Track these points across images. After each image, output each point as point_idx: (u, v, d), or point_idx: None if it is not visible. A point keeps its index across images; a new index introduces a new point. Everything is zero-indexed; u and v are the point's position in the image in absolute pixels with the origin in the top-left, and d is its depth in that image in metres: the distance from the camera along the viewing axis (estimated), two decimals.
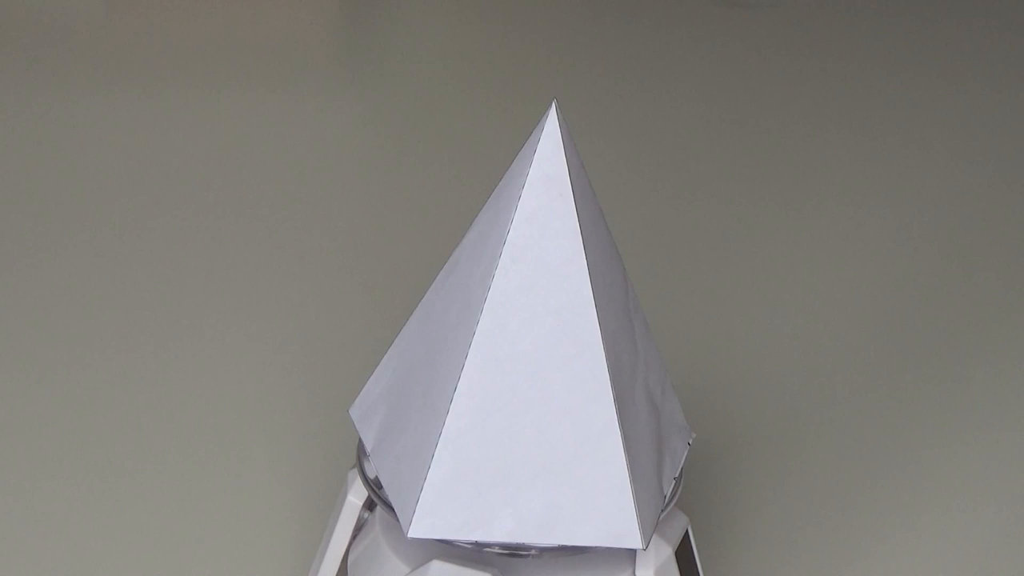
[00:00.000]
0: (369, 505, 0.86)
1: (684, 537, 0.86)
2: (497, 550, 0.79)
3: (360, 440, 0.84)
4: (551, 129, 0.76)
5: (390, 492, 0.78)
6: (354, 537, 0.86)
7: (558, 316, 0.76)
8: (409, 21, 1.73)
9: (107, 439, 1.06)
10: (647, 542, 0.76)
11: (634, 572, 0.81)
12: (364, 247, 1.29)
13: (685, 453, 0.82)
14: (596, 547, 0.77)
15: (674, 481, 0.80)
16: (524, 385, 0.76)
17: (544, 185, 0.76)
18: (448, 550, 0.81)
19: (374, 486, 0.81)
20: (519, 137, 1.48)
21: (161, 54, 1.61)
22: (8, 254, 1.27)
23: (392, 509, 0.79)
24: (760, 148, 1.49)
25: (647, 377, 0.80)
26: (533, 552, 0.78)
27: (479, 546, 0.78)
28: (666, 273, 1.28)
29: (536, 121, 1.52)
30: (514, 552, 0.79)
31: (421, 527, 0.76)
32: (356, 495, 0.85)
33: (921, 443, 1.09)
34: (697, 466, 1.06)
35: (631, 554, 0.82)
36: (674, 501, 0.81)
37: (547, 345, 0.76)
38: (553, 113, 0.76)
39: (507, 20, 1.74)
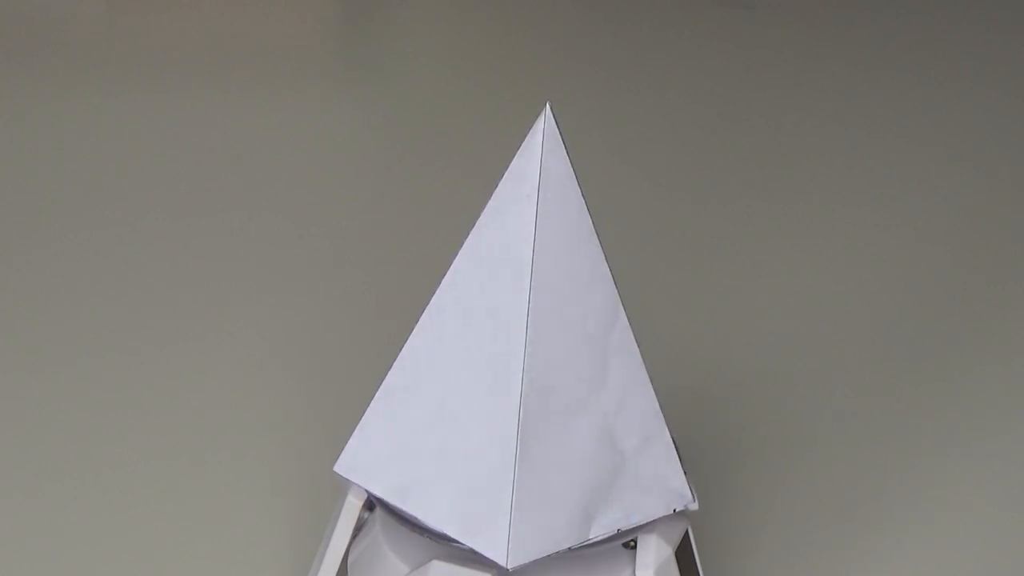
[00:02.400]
0: (369, 505, 0.86)
1: (684, 537, 0.86)
2: None
3: None
4: (536, 131, 0.76)
5: None
6: (354, 537, 0.86)
7: (494, 316, 0.77)
8: (408, 22, 1.73)
9: (106, 440, 1.06)
10: (514, 564, 0.76)
11: (634, 572, 0.81)
12: (364, 247, 1.29)
13: (659, 515, 0.80)
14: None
15: (618, 531, 0.79)
16: (450, 371, 0.78)
17: (517, 184, 0.77)
18: (448, 550, 0.81)
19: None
20: (521, 137, 1.48)
21: (162, 54, 1.61)
22: (8, 253, 1.27)
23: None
24: (759, 148, 1.49)
25: (611, 417, 0.78)
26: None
27: (383, 503, 0.79)
28: (665, 273, 1.28)
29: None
30: None
31: (341, 465, 0.80)
32: (356, 495, 0.85)
33: (921, 443, 1.09)
34: (697, 466, 1.06)
35: (631, 554, 0.82)
36: (610, 542, 0.80)
37: (476, 339, 0.77)
38: (541, 117, 0.76)
39: (507, 21, 1.74)
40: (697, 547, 0.95)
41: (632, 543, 0.82)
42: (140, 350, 1.15)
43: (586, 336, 0.78)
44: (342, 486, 1.00)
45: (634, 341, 0.79)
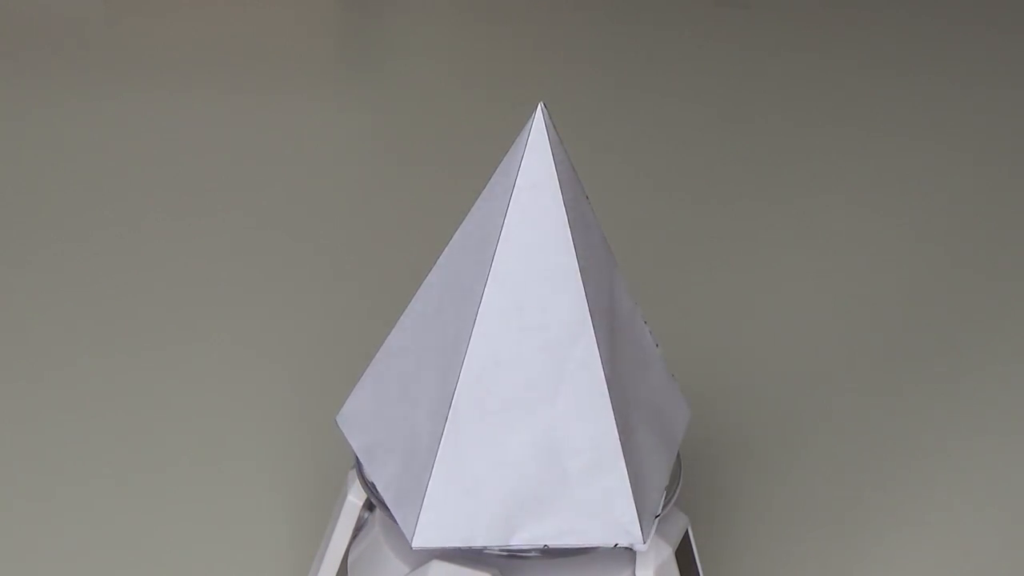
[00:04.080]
0: (369, 505, 0.86)
1: (684, 537, 0.86)
2: (497, 551, 0.79)
3: None
4: (525, 129, 0.76)
5: None
6: (354, 537, 0.86)
7: (459, 303, 0.78)
8: (408, 22, 1.73)
9: (106, 441, 1.06)
10: (418, 544, 0.77)
11: (634, 572, 0.81)
12: (361, 247, 1.29)
13: (596, 544, 0.78)
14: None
15: (545, 547, 0.79)
16: (422, 347, 0.79)
17: (502, 178, 0.77)
18: (448, 551, 0.81)
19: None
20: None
21: (161, 54, 1.61)
22: (6, 253, 1.27)
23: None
24: (759, 148, 1.49)
25: (557, 433, 0.77)
26: (533, 553, 0.79)
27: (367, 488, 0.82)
28: (663, 273, 1.28)
29: None
30: (514, 553, 0.79)
31: (340, 416, 0.84)
32: (356, 495, 0.85)
33: (921, 443, 1.09)
34: (697, 466, 1.06)
35: (631, 554, 0.82)
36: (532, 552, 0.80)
37: (444, 322, 0.78)
38: (531, 117, 0.76)
39: (507, 21, 1.74)
40: (697, 547, 0.95)
41: None
42: (139, 350, 1.15)
43: (543, 343, 0.77)
44: (342, 486, 1.00)
45: (599, 364, 0.77)
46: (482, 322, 0.77)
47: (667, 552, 0.81)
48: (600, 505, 0.78)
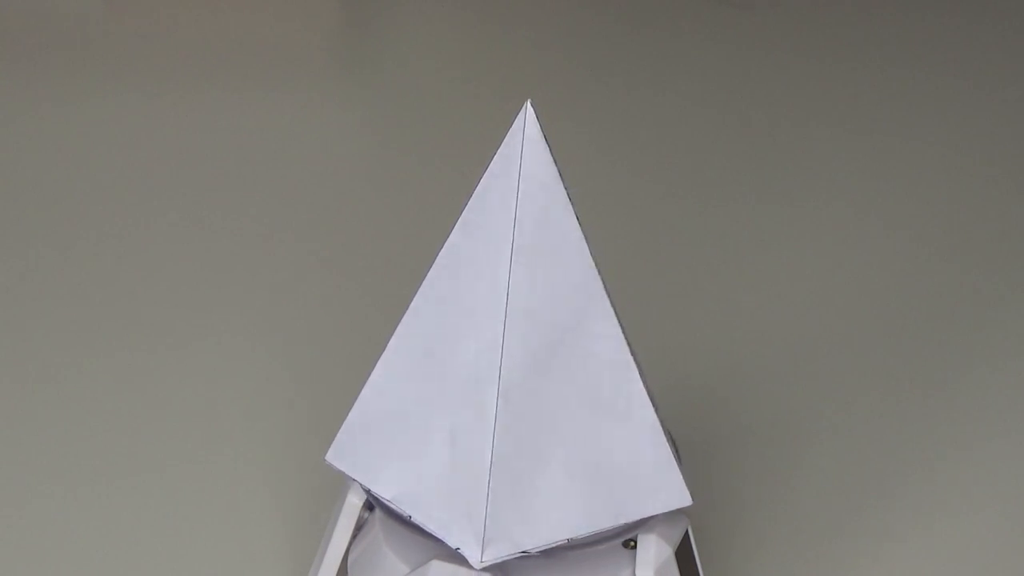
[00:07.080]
0: (369, 505, 0.86)
1: (684, 537, 0.86)
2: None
3: None
4: (512, 129, 0.77)
5: None
6: (354, 537, 0.86)
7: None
8: (408, 22, 1.73)
9: (106, 441, 1.06)
10: (328, 458, 0.81)
11: (634, 572, 0.81)
12: (362, 246, 1.29)
13: (447, 539, 0.79)
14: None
15: (410, 517, 0.80)
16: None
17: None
18: (448, 550, 0.81)
19: None
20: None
21: (160, 54, 1.61)
22: (7, 253, 1.27)
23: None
24: (757, 147, 1.49)
25: (456, 423, 0.78)
26: (534, 553, 0.79)
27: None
28: (663, 273, 1.28)
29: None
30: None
31: None
32: (356, 495, 0.85)
33: (922, 443, 1.09)
34: (697, 466, 1.06)
35: (631, 554, 0.82)
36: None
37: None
38: (520, 114, 0.77)
39: (507, 21, 1.74)
40: (697, 547, 0.95)
41: (632, 543, 0.82)
42: (137, 349, 1.15)
43: (464, 331, 0.78)
44: (342, 486, 1.00)
45: (496, 375, 0.77)
46: (426, 285, 0.78)
47: (667, 552, 0.81)
48: (463, 506, 0.78)
